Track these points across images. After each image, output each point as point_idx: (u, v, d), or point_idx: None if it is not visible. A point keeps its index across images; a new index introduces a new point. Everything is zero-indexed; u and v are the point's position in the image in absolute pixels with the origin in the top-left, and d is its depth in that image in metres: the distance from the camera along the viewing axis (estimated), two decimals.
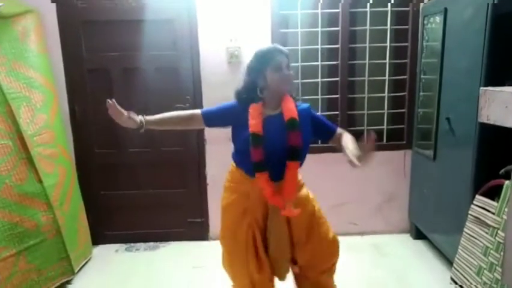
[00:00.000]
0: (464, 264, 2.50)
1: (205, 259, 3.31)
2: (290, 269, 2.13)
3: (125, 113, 2.07)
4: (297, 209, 1.91)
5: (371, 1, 3.26)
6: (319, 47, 3.33)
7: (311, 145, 3.51)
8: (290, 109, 1.91)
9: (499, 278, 2.18)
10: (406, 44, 3.35)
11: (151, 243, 3.56)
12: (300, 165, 1.98)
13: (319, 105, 3.43)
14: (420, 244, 3.39)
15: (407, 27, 3.32)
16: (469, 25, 2.49)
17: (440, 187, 2.94)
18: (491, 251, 2.27)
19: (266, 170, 1.88)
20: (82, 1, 3.20)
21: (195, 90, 3.35)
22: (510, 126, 1.31)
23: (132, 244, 3.56)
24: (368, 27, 3.31)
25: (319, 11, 3.28)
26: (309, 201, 2.09)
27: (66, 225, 2.88)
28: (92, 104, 3.36)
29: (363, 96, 3.42)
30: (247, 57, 3.23)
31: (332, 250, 2.18)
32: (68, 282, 2.95)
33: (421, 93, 3.20)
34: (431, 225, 3.15)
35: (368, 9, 3.29)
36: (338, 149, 2.03)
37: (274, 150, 1.87)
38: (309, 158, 3.04)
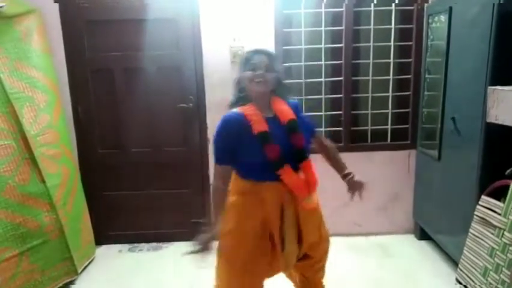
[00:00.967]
0: (470, 265, 2.48)
1: (209, 259, 3.29)
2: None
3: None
4: (313, 202, 1.90)
5: (375, 0, 3.24)
6: (322, 46, 3.31)
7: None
8: (284, 111, 1.86)
9: (505, 279, 2.16)
10: (410, 43, 3.33)
11: (154, 244, 3.56)
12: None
13: (322, 104, 3.42)
14: (425, 245, 3.37)
15: (411, 26, 3.30)
16: (474, 24, 2.47)
17: (445, 187, 2.91)
18: (497, 252, 2.25)
19: (287, 162, 1.80)
20: (84, 1, 3.20)
21: (198, 90, 3.34)
22: None
23: (135, 244, 3.56)
24: (372, 26, 3.29)
25: (322, 10, 3.26)
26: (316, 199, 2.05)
27: (69, 226, 2.87)
28: (95, 103, 3.36)
29: (367, 96, 3.40)
30: None
31: (327, 248, 2.18)
32: (72, 282, 2.95)
33: (426, 93, 3.18)
34: (436, 226, 3.13)
35: (372, 8, 3.27)
36: (316, 151, 2.06)
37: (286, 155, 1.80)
38: (312, 157, 3.01)
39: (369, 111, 3.43)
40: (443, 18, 2.84)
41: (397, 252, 3.28)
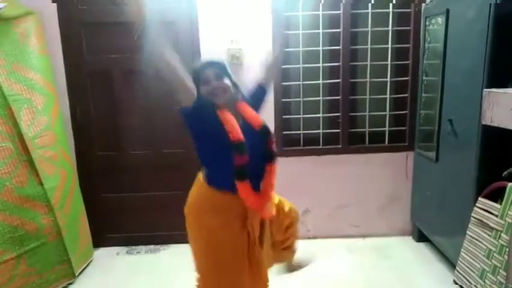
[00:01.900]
0: (467, 267, 2.49)
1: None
2: None
3: None
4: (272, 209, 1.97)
5: (372, 2, 3.25)
6: (320, 48, 3.32)
7: (313, 147, 3.51)
8: (253, 116, 1.91)
9: (502, 281, 2.17)
10: (408, 45, 3.34)
11: (152, 246, 3.55)
12: None
13: (320, 106, 3.42)
14: (422, 246, 3.37)
15: (408, 28, 3.31)
16: (471, 26, 2.48)
17: (443, 189, 2.92)
18: (495, 254, 2.26)
19: (247, 177, 1.82)
20: (82, 3, 3.20)
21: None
22: None
23: (133, 247, 3.55)
24: (369, 28, 3.30)
25: (320, 12, 3.27)
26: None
27: (67, 228, 2.87)
28: (93, 106, 3.36)
29: (365, 98, 3.41)
30: (248, 59, 3.28)
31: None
32: (69, 285, 2.94)
33: (423, 95, 3.18)
34: (433, 228, 3.13)
35: (369, 10, 3.28)
36: None
37: (251, 157, 1.80)
38: (311, 159, 3.06)
39: (367, 113, 3.44)
40: (440, 20, 2.85)
41: (395, 254, 3.29)
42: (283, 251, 2.30)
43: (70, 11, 3.19)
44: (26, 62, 2.78)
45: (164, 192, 3.52)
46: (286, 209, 2.18)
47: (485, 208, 2.37)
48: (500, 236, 2.24)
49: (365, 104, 3.43)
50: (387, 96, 3.42)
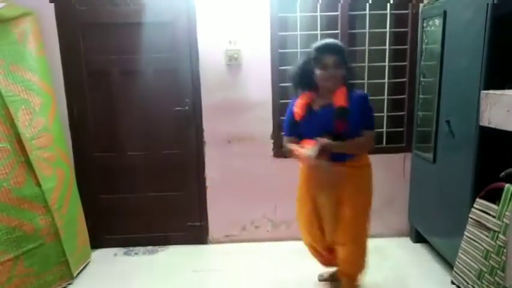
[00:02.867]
0: (465, 267, 2.49)
1: (205, 263, 3.30)
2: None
3: None
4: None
5: (370, 3, 3.26)
6: None
7: None
8: (339, 98, 2.16)
9: (500, 281, 2.17)
10: (405, 46, 3.35)
11: (150, 247, 3.54)
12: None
13: None
14: (420, 247, 3.38)
15: (406, 29, 3.32)
16: (469, 27, 2.49)
17: (440, 190, 2.93)
18: (492, 255, 2.26)
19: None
20: (80, 3, 3.20)
21: (194, 93, 3.34)
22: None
23: (131, 248, 3.54)
24: (367, 30, 3.31)
25: (318, 13, 3.28)
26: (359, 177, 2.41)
27: (64, 229, 2.86)
28: (90, 106, 3.36)
29: None
30: (246, 60, 3.28)
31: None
32: (67, 286, 2.93)
33: (421, 96, 3.19)
34: (431, 229, 3.14)
35: (367, 11, 3.28)
36: None
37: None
38: None
39: None
40: (438, 21, 2.86)
41: (392, 255, 3.29)
42: None
43: (67, 11, 3.19)
44: (24, 63, 2.78)
45: (162, 193, 3.52)
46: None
47: (483, 209, 2.38)
48: (497, 236, 2.24)
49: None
50: (385, 97, 3.43)
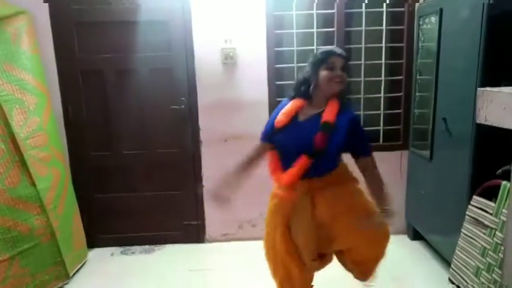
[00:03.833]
0: (462, 265, 2.49)
1: (202, 262, 3.29)
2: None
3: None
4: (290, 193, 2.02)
5: (366, 1, 3.25)
6: (314, 47, 3.32)
7: None
8: (329, 112, 1.96)
9: (497, 278, 2.18)
10: (402, 44, 3.34)
11: (147, 246, 3.53)
12: (333, 168, 2.07)
13: None
14: (417, 245, 3.38)
15: (402, 27, 3.32)
16: (465, 25, 2.49)
17: (437, 188, 2.93)
18: (489, 252, 2.26)
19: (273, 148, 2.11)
20: (74, 2, 3.17)
21: (189, 92, 3.33)
22: (508, 128, 1.30)
23: (128, 247, 3.53)
24: (363, 27, 3.30)
25: (314, 11, 3.27)
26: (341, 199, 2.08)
27: (60, 229, 2.85)
28: (86, 105, 3.34)
29: (359, 97, 3.41)
30: (242, 58, 3.27)
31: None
32: (63, 286, 2.92)
33: (417, 94, 3.19)
34: (428, 226, 3.14)
35: (363, 9, 3.28)
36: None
37: (304, 148, 1.94)
38: None
39: (362, 112, 3.43)
40: (434, 19, 2.86)
41: (390, 253, 3.28)
42: None
43: (61, 10, 3.17)
44: (18, 62, 2.76)
45: (159, 192, 3.51)
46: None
47: (480, 206, 2.38)
48: (494, 234, 2.24)
49: (359, 103, 3.43)
50: (382, 95, 3.42)
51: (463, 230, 2.50)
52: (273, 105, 3.35)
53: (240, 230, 3.58)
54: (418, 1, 3.22)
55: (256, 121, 3.38)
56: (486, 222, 2.31)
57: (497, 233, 2.22)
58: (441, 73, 2.80)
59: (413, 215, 3.40)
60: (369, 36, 3.34)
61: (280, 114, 2.08)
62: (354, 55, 3.38)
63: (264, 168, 3.40)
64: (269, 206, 2.21)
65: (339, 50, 2.05)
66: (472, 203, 2.44)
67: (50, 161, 2.88)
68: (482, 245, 2.32)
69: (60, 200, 2.92)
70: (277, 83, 3.35)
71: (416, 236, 3.41)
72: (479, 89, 1.43)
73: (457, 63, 2.59)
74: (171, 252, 3.46)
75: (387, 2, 3.27)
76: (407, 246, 3.40)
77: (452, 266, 2.61)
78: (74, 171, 3.34)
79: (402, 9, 3.29)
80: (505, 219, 2.18)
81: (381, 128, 3.48)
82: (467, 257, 2.44)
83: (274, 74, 3.32)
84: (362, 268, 2.34)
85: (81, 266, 3.18)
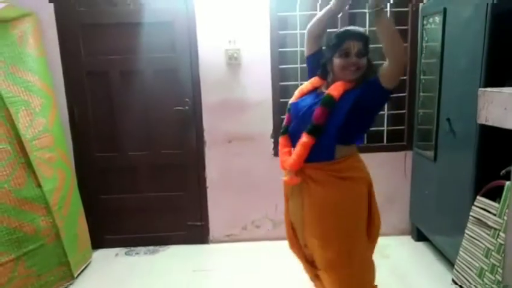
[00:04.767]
0: (466, 265, 2.48)
1: (206, 262, 3.30)
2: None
3: None
4: (298, 178, 1.94)
5: (369, 1, 3.24)
6: None
7: None
8: (335, 87, 1.84)
9: (501, 279, 2.16)
10: (405, 44, 3.34)
11: (151, 247, 3.55)
12: (329, 157, 1.89)
13: None
14: (421, 246, 3.37)
15: (406, 27, 3.31)
16: (469, 25, 2.48)
17: (441, 188, 2.92)
18: (493, 253, 2.25)
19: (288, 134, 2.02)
20: (80, 4, 3.20)
21: (194, 93, 3.34)
22: (509, 128, 1.29)
23: (132, 248, 3.55)
24: (367, 28, 3.29)
25: (317, 12, 3.26)
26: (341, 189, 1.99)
27: (65, 230, 2.87)
28: (91, 107, 3.36)
29: None
30: (246, 59, 3.28)
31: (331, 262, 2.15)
32: (68, 286, 2.94)
33: (421, 94, 3.18)
34: (432, 227, 3.13)
35: (366, 9, 3.27)
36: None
37: (304, 123, 1.89)
38: None
39: None
40: (438, 19, 2.85)
41: (394, 254, 3.28)
42: None
43: (67, 12, 3.20)
44: (24, 64, 2.78)
45: (163, 193, 3.52)
46: None
47: (484, 207, 2.37)
48: (498, 234, 2.23)
49: None
50: None
51: (466, 230, 2.49)
52: (277, 106, 3.36)
53: (243, 231, 3.59)
54: (422, 1, 3.22)
55: (260, 122, 3.41)
56: (490, 223, 2.30)
57: (501, 233, 2.21)
58: (445, 73, 2.79)
59: (417, 215, 3.39)
60: (373, 36, 3.32)
61: (297, 90, 2.08)
62: None
63: (268, 170, 3.42)
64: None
65: (355, 30, 1.90)
66: (475, 203, 2.43)
67: (56, 162, 2.91)
68: (485, 246, 2.31)
69: (65, 201, 2.94)
70: (281, 83, 3.35)
71: (420, 236, 3.40)
72: (479, 89, 1.43)
73: (461, 63, 2.58)
74: (175, 253, 3.47)
75: (391, 1, 3.27)
76: (411, 247, 3.39)
77: (455, 267, 2.60)
78: (80, 172, 3.37)
79: (406, 9, 3.29)
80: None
81: (385, 128, 3.47)
82: (471, 258, 2.43)
83: (278, 75, 3.33)
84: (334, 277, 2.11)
85: (86, 267, 3.21)
